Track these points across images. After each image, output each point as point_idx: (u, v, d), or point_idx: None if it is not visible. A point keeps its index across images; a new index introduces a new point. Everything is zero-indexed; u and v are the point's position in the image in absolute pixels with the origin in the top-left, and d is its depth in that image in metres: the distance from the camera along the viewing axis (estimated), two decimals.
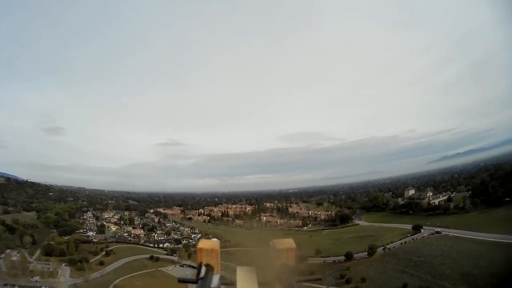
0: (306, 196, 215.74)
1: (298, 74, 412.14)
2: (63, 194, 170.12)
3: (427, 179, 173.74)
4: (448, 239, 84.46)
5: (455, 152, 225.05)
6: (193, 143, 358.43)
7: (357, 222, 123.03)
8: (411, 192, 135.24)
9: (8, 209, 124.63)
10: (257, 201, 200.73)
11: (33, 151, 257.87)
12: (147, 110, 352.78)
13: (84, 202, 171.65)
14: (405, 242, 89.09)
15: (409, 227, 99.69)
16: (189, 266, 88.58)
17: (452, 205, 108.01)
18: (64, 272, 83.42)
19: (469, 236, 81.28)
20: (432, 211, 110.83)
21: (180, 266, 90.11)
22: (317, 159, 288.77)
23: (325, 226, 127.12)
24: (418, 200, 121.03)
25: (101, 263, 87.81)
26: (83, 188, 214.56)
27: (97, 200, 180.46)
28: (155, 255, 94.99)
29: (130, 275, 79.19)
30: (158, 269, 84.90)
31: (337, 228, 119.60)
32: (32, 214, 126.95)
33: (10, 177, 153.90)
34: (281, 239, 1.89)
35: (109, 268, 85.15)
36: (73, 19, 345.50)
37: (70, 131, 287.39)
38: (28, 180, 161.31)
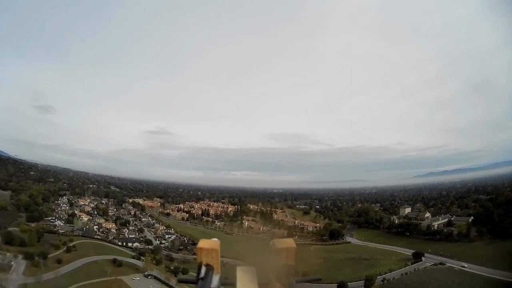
0: (290, 198, 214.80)
1: (291, 76, 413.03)
2: (45, 174, 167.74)
3: (414, 193, 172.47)
4: (455, 273, 76.40)
5: (443, 169, 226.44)
6: (182, 134, 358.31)
7: (348, 239, 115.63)
8: (407, 210, 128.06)
9: None
10: (240, 202, 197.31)
11: (22, 127, 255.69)
12: (139, 97, 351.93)
13: (65, 185, 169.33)
14: (406, 273, 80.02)
15: (407, 252, 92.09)
16: (154, 277, 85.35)
17: (454, 231, 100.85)
18: (18, 267, 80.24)
19: (478, 272, 73.16)
20: (432, 235, 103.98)
21: (144, 275, 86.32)
22: (304, 161, 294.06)
23: (312, 240, 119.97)
24: (415, 221, 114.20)
25: (59, 261, 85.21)
26: (68, 169, 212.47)
27: (77, 184, 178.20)
28: (119, 258, 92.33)
29: (84, 282, 75.58)
30: (118, 277, 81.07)
31: (326, 245, 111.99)
32: (7, 193, 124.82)
33: None
34: (281, 239, 1.90)
35: (65, 269, 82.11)
36: (73, 0, 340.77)
37: (61, 110, 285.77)
38: (11, 157, 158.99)
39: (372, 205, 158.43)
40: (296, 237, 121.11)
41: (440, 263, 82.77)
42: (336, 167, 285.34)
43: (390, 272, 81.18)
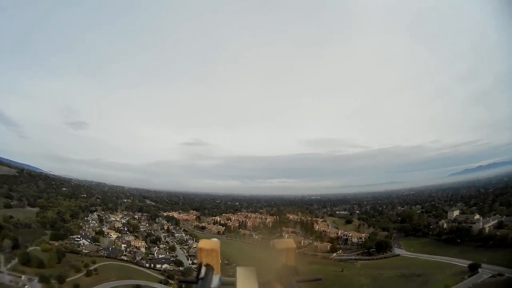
0: (329, 204, 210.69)
1: (325, 81, 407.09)
2: (77, 190, 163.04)
3: (453, 192, 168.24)
4: None
5: (478, 164, 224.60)
6: (217, 144, 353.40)
7: (396, 250, 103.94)
8: (455, 213, 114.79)
9: (11, 203, 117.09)
10: (279, 211, 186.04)
11: (56, 143, 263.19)
12: (173, 108, 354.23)
13: (98, 200, 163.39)
14: None
15: (462, 263, 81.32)
16: None
17: (510, 234, 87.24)
18: None
19: None
20: (483, 241, 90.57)
21: None
22: (339, 165, 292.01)
23: (358, 254, 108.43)
24: (465, 224, 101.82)
25: (76, 287, 73.44)
26: (103, 183, 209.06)
27: (111, 199, 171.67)
28: (143, 283, 78.71)
29: None
30: None
31: (373, 259, 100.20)
32: (35, 210, 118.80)
33: (25, 168, 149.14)
34: (281, 239, 1.90)
35: None
36: (101, 14, 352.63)
37: (95, 125, 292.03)
38: (43, 173, 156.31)
39: (413, 207, 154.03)
40: (341, 251, 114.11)
41: (499, 274, 72.14)
42: (372, 169, 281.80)
43: None
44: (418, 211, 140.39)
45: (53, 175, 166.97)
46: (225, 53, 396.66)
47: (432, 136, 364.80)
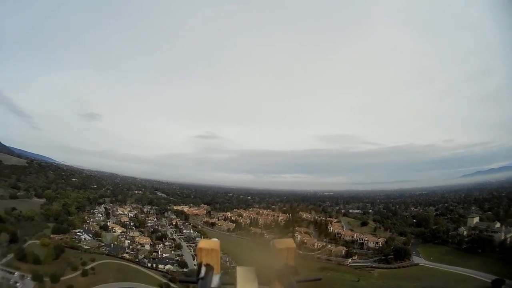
0: (342, 201, 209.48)
1: (338, 76, 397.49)
2: (88, 180, 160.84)
3: (465, 194, 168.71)
4: None
5: (489, 167, 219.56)
6: (230, 137, 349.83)
7: (415, 259, 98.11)
8: (475, 220, 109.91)
9: (17, 193, 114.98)
10: (292, 209, 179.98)
11: (69, 135, 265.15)
12: (186, 103, 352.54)
13: (108, 191, 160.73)
14: None
15: (484, 278, 75.29)
16: None
17: None
18: None
19: None
20: (506, 253, 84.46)
21: None
22: (353, 162, 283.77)
23: (375, 261, 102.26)
24: (486, 233, 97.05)
25: None
26: (116, 174, 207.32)
27: (121, 190, 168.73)
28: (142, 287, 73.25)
29: None
30: None
31: (392, 268, 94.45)
32: (40, 201, 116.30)
33: (36, 158, 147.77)
34: (281, 239, 1.93)
35: None
36: (117, 8, 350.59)
37: (108, 117, 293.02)
38: (54, 164, 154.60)
39: (426, 208, 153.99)
40: (356, 256, 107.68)
41: None
42: (385, 167, 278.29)
43: None
44: (433, 214, 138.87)
45: (65, 165, 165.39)
46: (238, 50, 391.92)
47: (446, 135, 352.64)
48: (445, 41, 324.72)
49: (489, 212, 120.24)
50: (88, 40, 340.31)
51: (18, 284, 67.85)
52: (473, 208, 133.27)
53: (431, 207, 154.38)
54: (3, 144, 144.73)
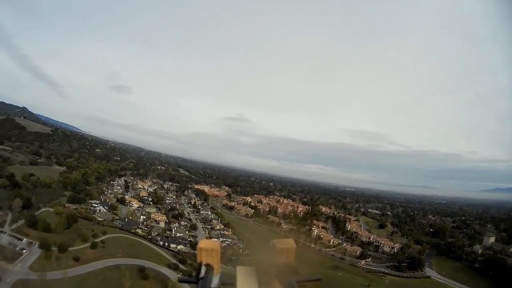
0: (362, 200, 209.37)
1: (374, 73, 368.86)
2: (112, 152, 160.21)
3: (483, 210, 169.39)
4: None
5: (510, 186, 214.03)
6: (260, 123, 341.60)
7: (427, 271, 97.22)
8: (491, 240, 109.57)
9: (38, 160, 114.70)
10: (312, 201, 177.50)
11: (97, 106, 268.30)
12: (219, 82, 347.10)
13: (131, 164, 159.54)
14: None
15: None
16: None
17: None
18: (29, 257, 63.24)
19: None
20: None
21: None
22: (378, 161, 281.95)
23: (388, 267, 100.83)
24: (500, 256, 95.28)
25: (76, 259, 65.13)
26: (141, 148, 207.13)
27: (144, 164, 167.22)
28: (150, 266, 68.40)
29: None
30: None
31: (403, 277, 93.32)
32: (63, 169, 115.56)
33: (61, 127, 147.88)
34: (281, 239, 1.91)
35: (78, 270, 61.67)
36: None
37: (137, 91, 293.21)
38: (79, 133, 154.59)
39: (443, 218, 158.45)
40: (370, 259, 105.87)
41: None
42: (408, 170, 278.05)
43: None
44: (450, 225, 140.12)
45: (91, 135, 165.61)
46: (276, 38, 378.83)
47: (471, 146, 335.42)
48: (481, 52, 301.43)
49: (504, 233, 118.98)
50: (122, 13, 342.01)
51: (24, 251, 65.34)
52: (488, 226, 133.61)
53: (448, 218, 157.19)
54: (29, 111, 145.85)
